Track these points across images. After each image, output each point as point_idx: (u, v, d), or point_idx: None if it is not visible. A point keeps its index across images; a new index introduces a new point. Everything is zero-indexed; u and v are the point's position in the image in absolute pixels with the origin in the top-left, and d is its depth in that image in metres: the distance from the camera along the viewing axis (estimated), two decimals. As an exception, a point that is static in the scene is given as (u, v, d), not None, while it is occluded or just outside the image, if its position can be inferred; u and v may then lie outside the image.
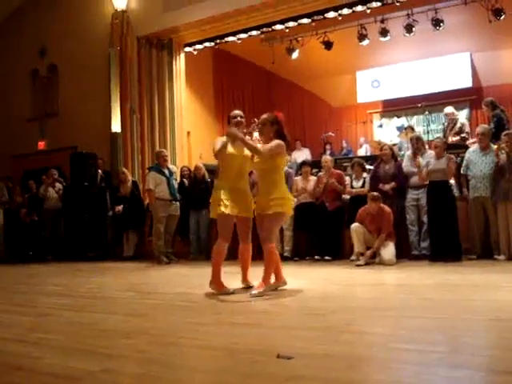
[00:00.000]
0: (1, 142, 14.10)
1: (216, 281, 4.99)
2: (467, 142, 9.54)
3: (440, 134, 12.51)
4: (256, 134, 5.38)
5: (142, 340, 3.16)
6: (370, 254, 7.42)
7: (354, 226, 7.61)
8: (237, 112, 5.26)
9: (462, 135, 10.04)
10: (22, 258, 11.00)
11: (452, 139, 10.01)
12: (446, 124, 10.63)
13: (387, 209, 7.51)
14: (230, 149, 5.03)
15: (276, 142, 4.92)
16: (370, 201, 7.50)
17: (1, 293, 5.97)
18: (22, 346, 3.13)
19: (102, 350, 2.93)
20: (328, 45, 13.72)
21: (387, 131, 17.16)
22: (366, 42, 13.33)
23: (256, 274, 5.03)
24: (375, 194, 7.60)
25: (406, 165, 8.11)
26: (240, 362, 2.60)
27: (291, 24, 12.02)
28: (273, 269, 4.92)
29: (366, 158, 10.27)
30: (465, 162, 7.84)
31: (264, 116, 5.06)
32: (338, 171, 8.84)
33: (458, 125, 10.34)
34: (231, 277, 5.36)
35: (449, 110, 10.78)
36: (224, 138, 5.15)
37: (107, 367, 2.55)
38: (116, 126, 11.98)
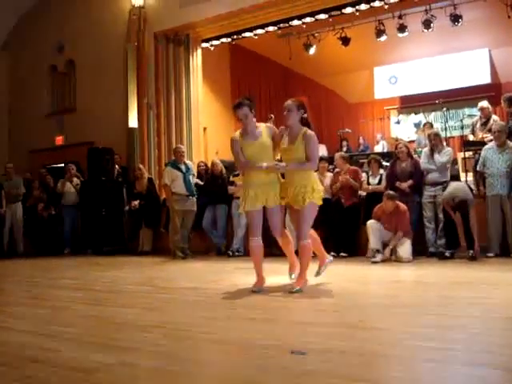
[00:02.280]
0: (19, 137, 14.25)
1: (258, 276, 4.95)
2: (485, 139, 9.36)
3: (458, 131, 12.38)
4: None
5: (158, 334, 3.17)
6: (388, 252, 7.36)
7: (370, 222, 7.57)
8: (236, 104, 4.99)
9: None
10: (40, 251, 11.09)
11: (483, 135, 9.51)
12: (475, 118, 10.17)
13: (403, 207, 7.47)
14: (246, 150, 4.93)
15: (310, 134, 4.73)
16: (385, 200, 7.46)
17: (18, 286, 6.04)
18: (39, 338, 3.16)
19: (117, 343, 2.96)
20: (345, 40, 13.69)
21: (404, 128, 17.04)
22: (383, 38, 13.27)
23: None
24: (391, 192, 7.56)
25: (424, 161, 8.05)
26: (254, 357, 2.61)
27: (308, 19, 11.98)
28: (307, 265, 4.82)
29: (383, 155, 10.21)
30: (481, 159, 7.76)
31: (289, 102, 4.84)
32: (354, 167, 8.80)
33: (491, 121, 9.84)
34: (249, 272, 5.36)
35: (484, 104, 10.05)
36: (237, 134, 5.05)
37: (123, 360, 2.57)
38: (133, 122, 12.03)
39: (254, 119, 5.00)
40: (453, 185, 7.42)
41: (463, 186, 7.59)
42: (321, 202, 4.82)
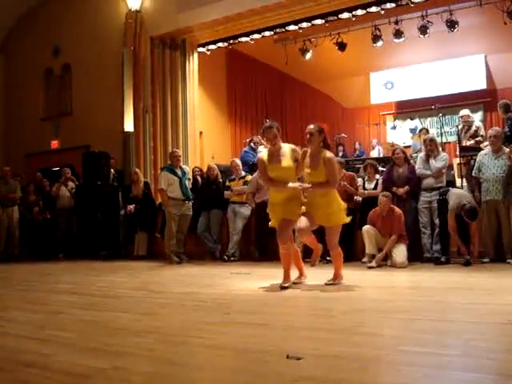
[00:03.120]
0: (15, 140, 14.22)
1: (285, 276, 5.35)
2: (481, 145, 9.46)
3: (454, 137, 12.44)
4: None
5: (152, 339, 3.16)
6: (381, 257, 7.39)
7: (366, 227, 7.59)
8: (266, 126, 5.40)
9: (477, 138, 9.91)
10: (35, 256, 11.06)
11: (467, 142, 9.88)
12: (460, 127, 10.41)
13: (398, 210, 7.49)
14: (271, 170, 5.32)
15: (330, 157, 5.23)
16: (381, 197, 7.51)
17: (13, 290, 6.01)
18: (33, 343, 3.14)
19: (112, 347, 2.95)
20: (341, 46, 13.69)
21: (400, 133, 17.10)
22: (379, 44, 13.28)
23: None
24: (387, 192, 7.64)
25: (419, 167, 8.06)
26: (249, 362, 2.60)
27: (305, 25, 11.97)
28: (340, 266, 5.50)
29: (379, 160, 10.23)
30: (476, 164, 7.78)
31: (311, 126, 5.32)
32: (350, 173, 8.80)
33: (474, 128, 10.14)
34: (244, 277, 5.36)
35: (464, 112, 10.58)
36: (265, 154, 5.42)
37: (117, 365, 2.56)
38: (129, 126, 12.01)
39: (280, 140, 5.44)
40: (456, 192, 7.44)
41: (466, 192, 7.65)
42: (347, 219, 5.40)
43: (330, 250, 5.48)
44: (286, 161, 5.25)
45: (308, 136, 5.24)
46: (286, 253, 5.38)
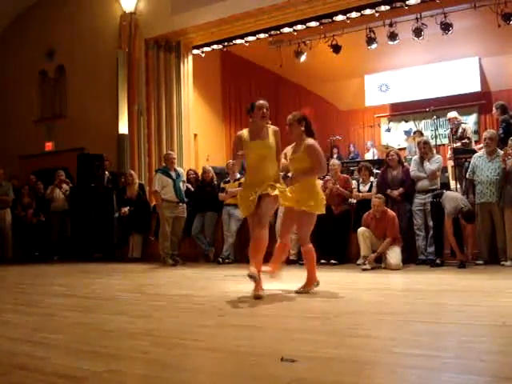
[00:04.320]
0: (9, 142, 14.14)
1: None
2: (476, 147, 9.52)
3: (448, 139, 12.50)
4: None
5: (147, 341, 3.16)
6: (373, 257, 7.40)
7: (361, 229, 7.60)
8: (262, 102, 5.09)
9: (463, 141, 10.05)
10: (29, 258, 11.02)
11: (453, 145, 10.00)
12: (451, 129, 10.56)
13: (391, 213, 7.51)
14: (253, 148, 5.00)
15: (311, 144, 5.01)
16: (374, 198, 7.53)
17: (6, 293, 5.99)
18: (26, 345, 3.13)
19: (106, 350, 2.94)
20: (336, 48, 13.70)
21: (395, 135, 17.11)
22: (374, 46, 13.30)
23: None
24: (379, 194, 7.66)
25: (414, 169, 8.08)
26: (243, 365, 2.60)
27: (299, 27, 12.01)
28: (314, 267, 5.09)
29: (374, 162, 10.25)
30: (471, 166, 7.80)
31: (290, 116, 5.17)
32: (344, 175, 8.82)
33: (460, 130, 10.34)
34: (239, 279, 5.34)
35: (451, 114, 10.76)
36: (245, 132, 5.13)
37: (112, 368, 2.55)
38: (123, 128, 12.00)
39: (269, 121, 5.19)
40: (451, 195, 7.46)
41: (460, 195, 7.68)
42: (322, 211, 5.06)
43: (302, 245, 5.14)
44: (269, 137, 5.04)
45: (287, 127, 5.15)
46: (284, 249, 5.39)
